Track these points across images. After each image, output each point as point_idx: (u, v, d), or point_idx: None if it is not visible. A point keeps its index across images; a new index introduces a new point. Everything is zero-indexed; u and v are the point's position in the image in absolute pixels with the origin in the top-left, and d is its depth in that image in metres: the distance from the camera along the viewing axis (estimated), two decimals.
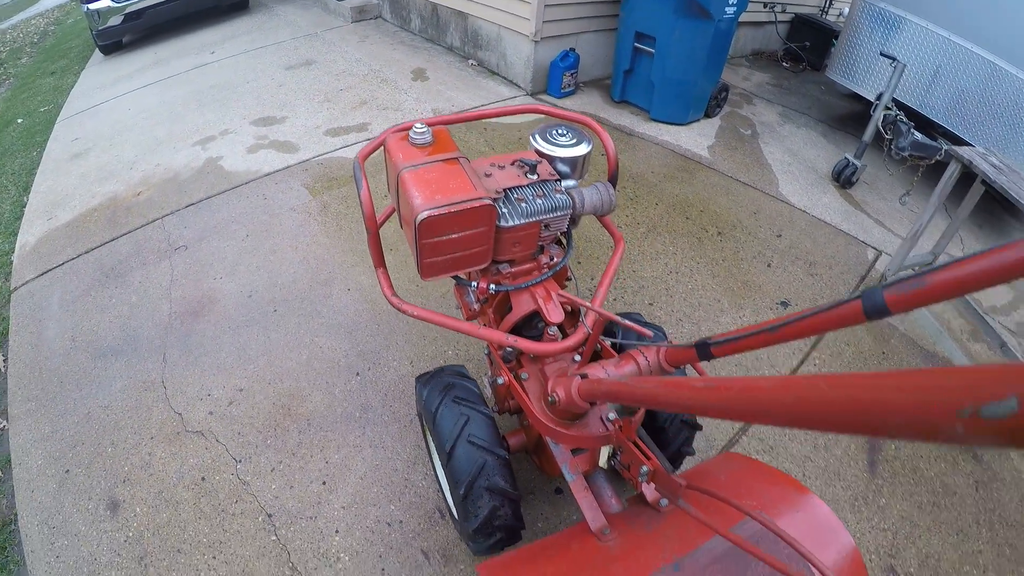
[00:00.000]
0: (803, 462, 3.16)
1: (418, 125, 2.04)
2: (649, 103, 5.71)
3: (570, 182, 2.23)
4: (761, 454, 3.11)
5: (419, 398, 2.31)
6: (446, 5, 6.16)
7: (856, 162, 5.14)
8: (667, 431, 2.36)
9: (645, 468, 1.86)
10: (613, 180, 2.34)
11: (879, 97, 4.80)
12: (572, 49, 5.77)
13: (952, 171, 3.63)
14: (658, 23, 5.27)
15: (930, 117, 5.09)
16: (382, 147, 2.11)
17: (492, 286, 2.17)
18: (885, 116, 4.87)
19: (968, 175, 3.71)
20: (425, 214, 1.79)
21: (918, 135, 4.70)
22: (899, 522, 3.05)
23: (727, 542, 1.83)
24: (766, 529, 1.77)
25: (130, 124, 4.79)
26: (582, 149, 2.25)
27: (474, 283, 2.18)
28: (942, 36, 4.96)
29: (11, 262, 3.82)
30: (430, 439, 2.70)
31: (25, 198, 4.35)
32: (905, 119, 4.79)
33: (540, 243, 2.20)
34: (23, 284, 3.66)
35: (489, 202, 1.89)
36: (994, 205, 5.69)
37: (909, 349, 3.89)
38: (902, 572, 2.85)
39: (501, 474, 2.07)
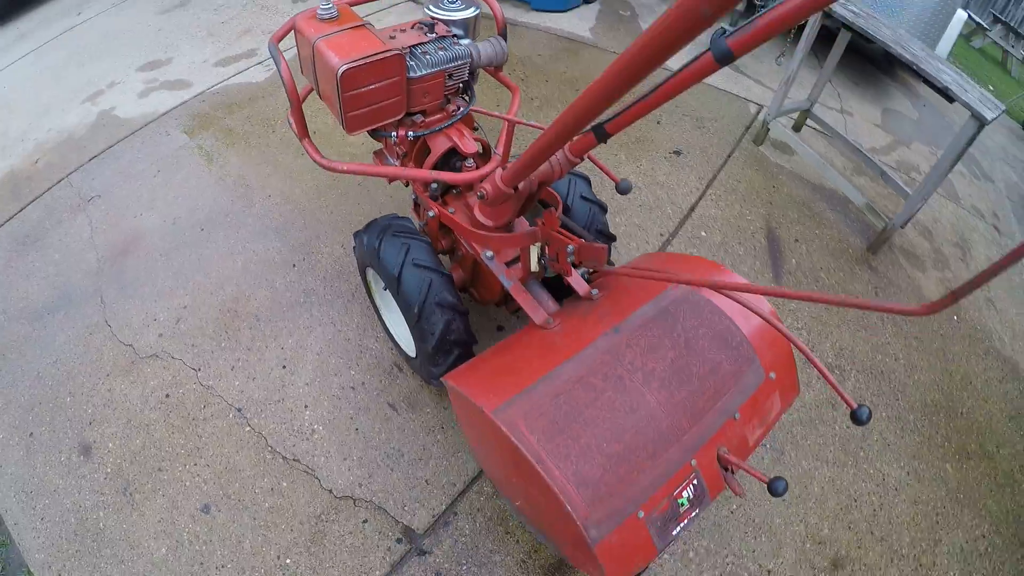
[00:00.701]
0: None
1: (323, 3, 1.99)
2: None
3: (465, 40, 2.18)
4: None
5: (360, 247, 2.21)
6: None
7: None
8: (573, 211, 2.30)
9: (571, 247, 1.78)
10: (503, 35, 2.29)
11: None
12: None
13: (814, 20, 3.48)
14: None
15: None
16: (292, 30, 2.04)
17: (410, 133, 2.15)
18: None
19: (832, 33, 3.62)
20: (344, 67, 1.81)
21: None
22: (811, 322, 3.07)
23: (657, 307, 1.80)
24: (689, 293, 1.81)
25: (9, 100, 4.10)
26: (471, 12, 2.22)
27: (393, 133, 2.15)
28: None
29: None
30: (376, 295, 2.49)
31: None
32: None
33: (446, 93, 2.18)
34: None
35: (398, 52, 1.90)
36: (869, 66, 5.58)
37: (796, 183, 3.88)
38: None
39: (448, 289, 1.99)
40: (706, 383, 1.66)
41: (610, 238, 2.35)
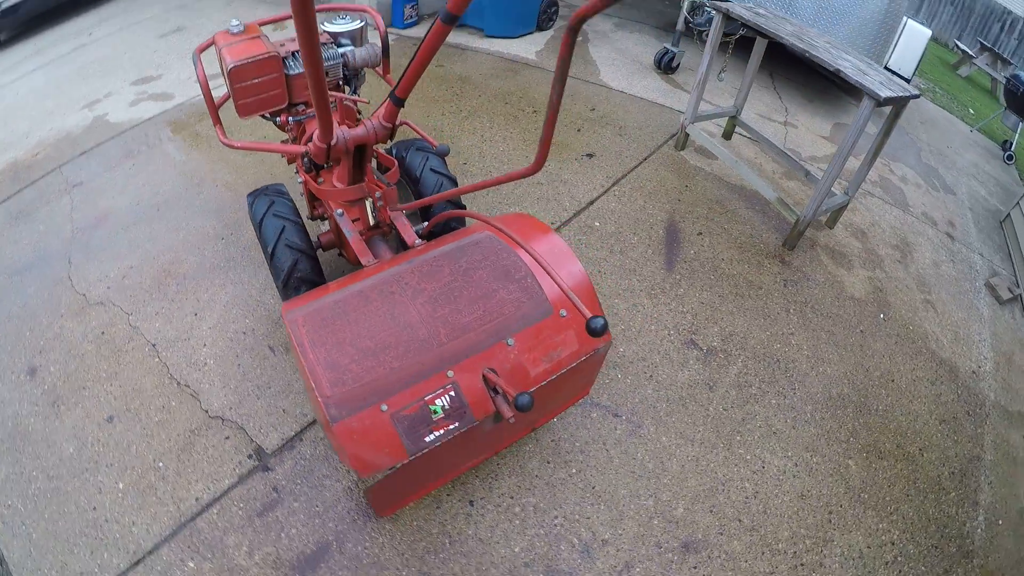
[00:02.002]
0: (599, 263, 3.24)
1: (234, 20, 2.44)
2: (483, 22, 5.58)
3: (350, 47, 2.58)
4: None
5: (249, 207, 2.55)
6: None
7: (674, 49, 5.06)
8: (423, 180, 2.61)
9: (379, 193, 2.18)
10: (384, 43, 2.65)
11: None
12: None
13: (717, 20, 3.59)
14: None
15: None
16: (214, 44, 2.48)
17: (290, 118, 2.54)
18: (692, 3, 4.81)
19: (773, 44, 3.59)
20: (232, 64, 2.21)
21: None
22: (698, 307, 3.02)
23: (454, 246, 1.97)
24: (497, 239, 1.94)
25: (21, 105, 4.73)
26: (356, 24, 2.63)
27: (278, 118, 2.56)
28: None
29: None
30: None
31: None
32: (720, 4, 4.69)
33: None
34: None
35: (274, 54, 2.29)
36: (831, 86, 5.58)
37: (713, 183, 3.90)
38: (704, 345, 2.86)
39: (298, 235, 2.33)
40: (475, 305, 1.75)
41: (459, 207, 2.67)
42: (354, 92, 2.71)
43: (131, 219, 3.51)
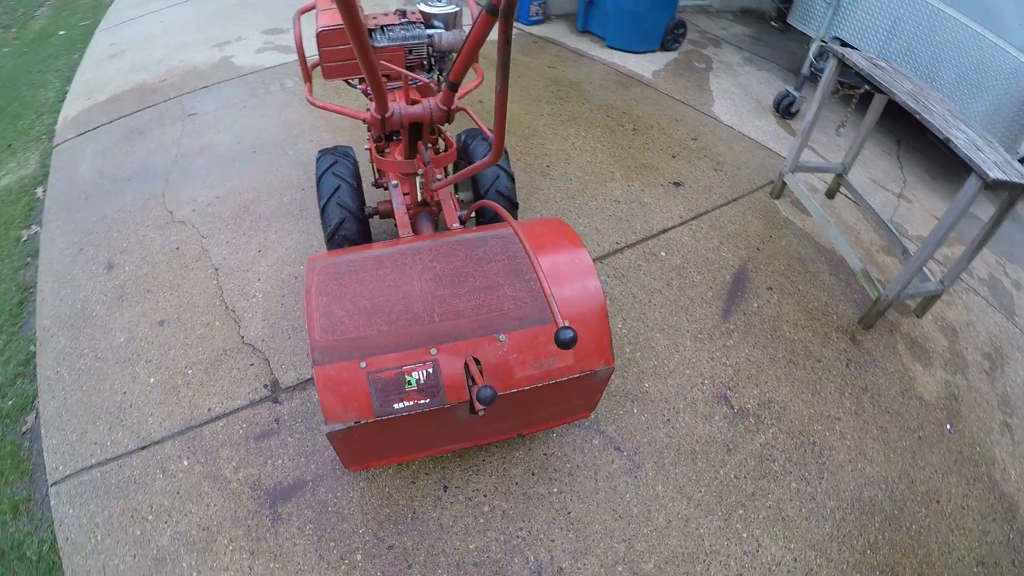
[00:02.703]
0: (652, 293, 3.20)
1: None
2: (606, 32, 5.67)
3: (441, 29, 2.71)
4: (612, 279, 3.24)
5: (316, 163, 2.76)
6: None
7: (795, 93, 4.89)
8: (486, 197, 2.70)
9: (419, 170, 2.33)
10: None
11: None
12: None
13: (832, 66, 3.48)
14: None
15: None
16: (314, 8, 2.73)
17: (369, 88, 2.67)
18: (819, 47, 4.68)
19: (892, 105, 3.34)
20: (320, 29, 2.42)
21: None
22: (744, 363, 2.89)
23: (478, 234, 2.06)
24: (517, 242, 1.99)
25: (161, 33, 5.36)
26: (452, 8, 2.75)
27: (359, 85, 2.77)
28: None
29: (55, 130, 4.36)
30: None
31: (67, 88, 4.86)
32: (837, 48, 4.62)
33: (409, 65, 2.70)
34: (64, 142, 4.21)
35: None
36: (960, 166, 5.10)
37: (800, 240, 3.72)
38: (736, 405, 2.73)
39: (351, 196, 2.51)
40: (477, 294, 1.82)
41: (513, 204, 2.74)
42: (440, 74, 2.87)
43: (229, 155, 3.90)
